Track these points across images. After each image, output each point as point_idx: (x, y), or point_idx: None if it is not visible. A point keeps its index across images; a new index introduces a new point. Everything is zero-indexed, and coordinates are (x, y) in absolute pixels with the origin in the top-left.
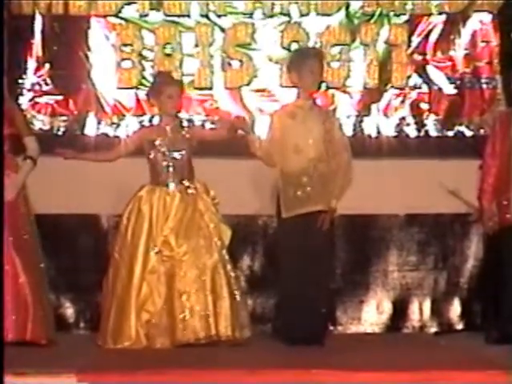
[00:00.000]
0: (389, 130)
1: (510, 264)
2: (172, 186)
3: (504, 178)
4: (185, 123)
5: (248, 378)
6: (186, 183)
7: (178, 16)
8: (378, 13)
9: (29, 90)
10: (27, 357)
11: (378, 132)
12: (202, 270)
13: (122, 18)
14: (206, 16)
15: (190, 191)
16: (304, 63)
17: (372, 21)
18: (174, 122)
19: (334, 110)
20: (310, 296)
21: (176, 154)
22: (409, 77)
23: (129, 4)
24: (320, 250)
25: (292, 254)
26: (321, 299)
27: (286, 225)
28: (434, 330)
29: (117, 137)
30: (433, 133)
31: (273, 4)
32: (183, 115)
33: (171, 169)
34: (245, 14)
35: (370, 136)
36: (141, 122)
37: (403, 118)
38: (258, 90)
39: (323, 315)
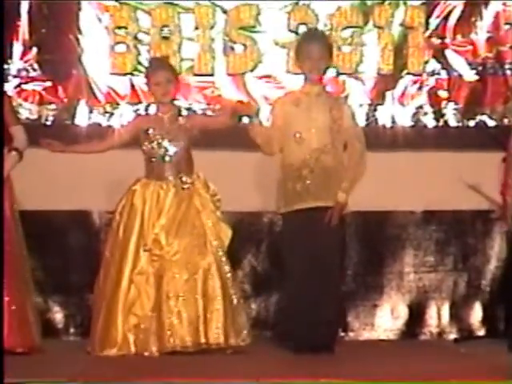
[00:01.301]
0: (405, 120)
1: None
2: (167, 179)
3: None
4: (184, 112)
5: None
6: (183, 177)
7: None
8: None
9: (15, 77)
10: (13, 366)
11: (393, 122)
12: (193, 272)
13: None
14: None
15: (186, 186)
16: (301, 48)
17: (386, 1)
18: (171, 111)
19: (346, 97)
20: (318, 299)
21: (173, 145)
22: (426, 62)
23: None
24: (329, 249)
25: (297, 254)
26: (330, 303)
27: (290, 222)
28: (453, 336)
29: (110, 126)
30: (452, 123)
31: None
32: (182, 103)
33: (167, 161)
34: None
35: (384, 126)
36: (136, 111)
37: (420, 107)
38: (262, 77)
39: (333, 320)
